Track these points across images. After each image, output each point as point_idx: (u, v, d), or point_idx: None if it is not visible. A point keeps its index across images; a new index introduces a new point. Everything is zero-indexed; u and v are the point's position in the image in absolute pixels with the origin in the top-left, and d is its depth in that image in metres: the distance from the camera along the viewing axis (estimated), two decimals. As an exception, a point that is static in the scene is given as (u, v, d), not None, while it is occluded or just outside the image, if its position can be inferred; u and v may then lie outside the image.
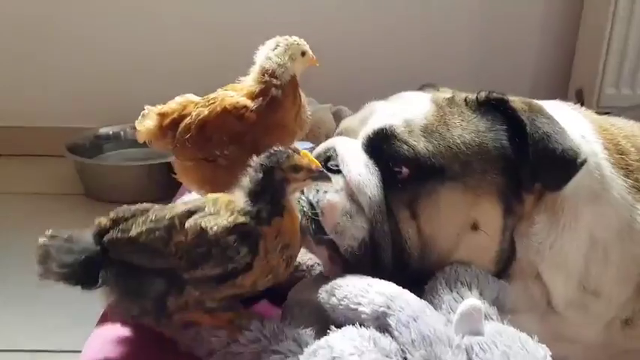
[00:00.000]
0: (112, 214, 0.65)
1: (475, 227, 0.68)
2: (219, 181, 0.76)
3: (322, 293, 0.64)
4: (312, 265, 0.82)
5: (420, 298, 0.61)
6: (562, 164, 0.66)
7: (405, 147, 0.67)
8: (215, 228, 0.60)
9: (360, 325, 0.58)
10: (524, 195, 0.69)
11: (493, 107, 0.71)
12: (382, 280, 0.62)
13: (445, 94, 0.76)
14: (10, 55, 1.99)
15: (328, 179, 0.64)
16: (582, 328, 0.72)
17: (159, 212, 0.64)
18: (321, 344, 0.55)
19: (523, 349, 0.55)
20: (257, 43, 0.80)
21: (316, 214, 0.68)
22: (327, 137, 0.84)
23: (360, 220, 0.67)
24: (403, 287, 0.61)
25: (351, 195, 0.68)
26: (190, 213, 0.62)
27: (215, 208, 0.63)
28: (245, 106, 0.76)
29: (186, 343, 0.66)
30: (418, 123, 0.70)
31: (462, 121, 0.70)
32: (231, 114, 0.76)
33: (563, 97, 0.83)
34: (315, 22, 1.92)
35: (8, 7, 1.95)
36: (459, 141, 0.68)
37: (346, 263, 0.68)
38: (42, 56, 1.99)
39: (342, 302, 0.61)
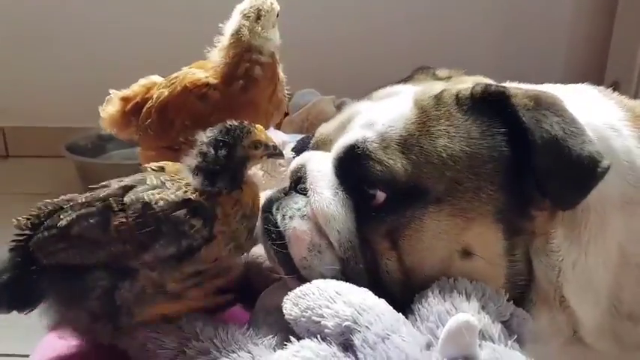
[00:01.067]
0: (31, 211, 0.57)
1: (467, 253, 0.57)
2: None
3: (286, 302, 0.55)
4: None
5: (406, 308, 0.52)
6: (576, 176, 0.54)
7: (379, 168, 0.57)
8: (161, 203, 0.53)
9: (323, 340, 0.49)
10: (534, 212, 0.57)
11: (491, 104, 0.58)
12: (355, 287, 0.53)
13: (434, 88, 0.64)
14: (13, 55, 1.98)
15: (282, 156, 0.59)
16: None
17: (88, 196, 0.56)
18: (268, 362, 0.46)
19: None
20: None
21: (283, 243, 0.60)
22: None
23: (330, 258, 0.58)
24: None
25: (320, 227, 0.59)
26: (127, 189, 0.55)
27: (158, 180, 0.56)
28: (207, 84, 0.67)
29: (135, 354, 0.59)
30: (395, 135, 0.58)
31: (450, 126, 0.58)
32: (192, 93, 0.68)
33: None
34: (324, 10, 1.87)
35: (10, 8, 1.94)
36: (444, 154, 0.57)
37: None
38: (45, 56, 1.97)
39: (305, 313, 0.52)
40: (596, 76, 1.98)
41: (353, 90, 1.62)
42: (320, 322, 0.50)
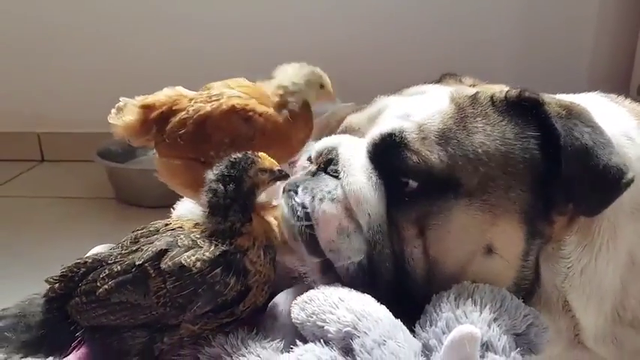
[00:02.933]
0: (60, 272, 0.59)
1: (489, 251, 0.58)
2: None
3: (294, 306, 0.58)
4: (305, 273, 0.74)
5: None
6: (602, 185, 0.55)
7: (415, 158, 0.58)
8: (198, 264, 0.55)
9: (326, 344, 0.52)
10: (555, 216, 0.59)
11: (525, 109, 0.60)
12: (357, 294, 0.55)
13: (467, 89, 0.66)
14: (48, 65, 2.04)
15: (287, 178, 0.60)
16: None
17: (121, 261, 0.56)
18: (273, 365, 0.49)
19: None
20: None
21: (310, 225, 0.60)
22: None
23: (358, 241, 0.59)
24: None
25: (349, 209, 0.59)
26: (162, 253, 0.56)
27: (189, 240, 0.57)
28: (253, 110, 0.71)
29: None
30: (434, 127, 0.60)
31: (486, 125, 0.60)
32: (238, 114, 0.71)
33: (624, 94, 0.72)
34: (344, 19, 1.88)
35: (44, 18, 2.00)
36: (480, 150, 0.58)
37: (339, 280, 0.60)
38: (79, 65, 2.03)
39: (311, 318, 0.55)
40: (621, 81, 1.94)
41: (372, 98, 1.64)
42: (324, 326, 0.52)
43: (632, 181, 0.55)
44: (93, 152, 1.72)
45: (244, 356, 0.55)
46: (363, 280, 0.59)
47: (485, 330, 0.52)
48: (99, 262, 0.57)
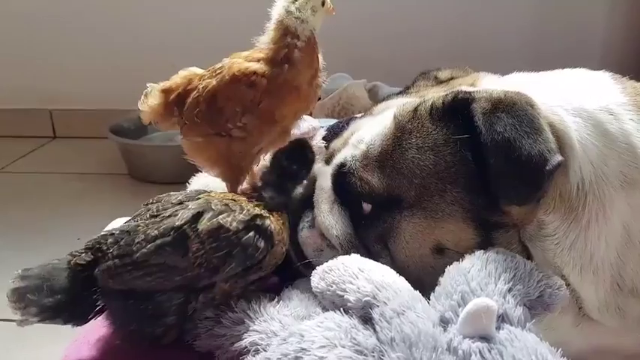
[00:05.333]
0: (85, 245, 0.60)
1: (440, 250, 0.63)
2: (235, 154, 0.72)
3: (314, 275, 0.60)
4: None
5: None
6: (527, 174, 0.57)
7: (359, 183, 0.66)
8: (234, 224, 0.58)
9: (346, 312, 0.54)
10: (505, 207, 0.60)
11: (459, 110, 0.62)
12: (377, 264, 0.58)
13: (414, 102, 0.68)
14: (60, 42, 2.04)
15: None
16: (621, 335, 0.64)
17: (159, 224, 0.58)
18: (293, 331, 0.51)
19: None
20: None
21: None
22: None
23: (331, 254, 0.66)
24: None
25: (322, 233, 0.69)
26: (198, 215, 0.58)
27: (222, 205, 0.60)
28: (255, 72, 0.70)
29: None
30: (375, 152, 0.66)
31: (419, 138, 0.64)
32: (242, 81, 0.71)
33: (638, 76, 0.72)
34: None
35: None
36: (412, 165, 0.64)
37: None
38: (90, 43, 2.03)
39: (331, 287, 0.57)
40: (636, 61, 1.93)
41: (384, 73, 1.63)
42: (343, 296, 0.54)
43: (558, 165, 0.56)
44: (105, 129, 1.73)
45: (266, 322, 0.58)
46: None
47: (501, 302, 0.53)
48: (126, 233, 0.58)
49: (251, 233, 0.58)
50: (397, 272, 0.61)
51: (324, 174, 0.72)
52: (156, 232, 0.57)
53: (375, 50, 1.88)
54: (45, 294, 0.57)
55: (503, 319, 0.53)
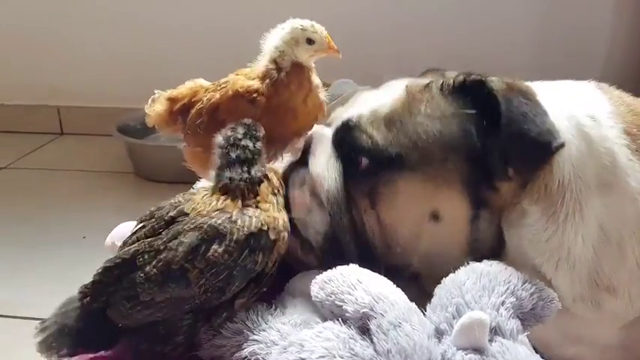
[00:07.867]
0: (92, 280, 0.61)
1: (435, 217, 0.66)
2: None
3: (314, 285, 0.61)
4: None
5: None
6: (535, 146, 0.62)
7: (364, 137, 0.68)
8: (226, 256, 0.58)
9: (344, 322, 0.55)
10: (498, 183, 0.65)
11: (469, 90, 0.68)
12: (375, 276, 0.59)
13: (423, 80, 0.73)
14: (68, 38, 2.05)
15: None
16: (596, 326, 0.67)
17: (157, 258, 0.58)
18: (293, 341, 0.53)
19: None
20: (300, 15, 0.75)
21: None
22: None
23: (320, 215, 0.69)
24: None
25: (314, 189, 0.70)
26: (194, 248, 0.59)
27: (212, 226, 0.60)
28: (257, 90, 0.73)
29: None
30: (384, 112, 0.69)
31: (428, 107, 0.68)
32: (244, 98, 0.74)
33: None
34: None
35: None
36: (419, 129, 0.67)
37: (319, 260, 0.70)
38: (99, 40, 2.04)
39: (330, 298, 0.58)
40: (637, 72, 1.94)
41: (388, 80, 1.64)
42: (342, 306, 0.56)
43: (562, 145, 0.62)
44: (112, 127, 1.75)
45: (265, 331, 0.59)
46: (332, 250, 0.68)
47: (494, 315, 0.55)
48: (129, 263, 0.59)
49: (246, 252, 0.59)
50: (384, 238, 0.67)
51: (320, 135, 0.74)
52: (155, 270, 0.58)
53: (378, 58, 1.89)
54: (67, 335, 0.59)
55: (496, 331, 0.54)
